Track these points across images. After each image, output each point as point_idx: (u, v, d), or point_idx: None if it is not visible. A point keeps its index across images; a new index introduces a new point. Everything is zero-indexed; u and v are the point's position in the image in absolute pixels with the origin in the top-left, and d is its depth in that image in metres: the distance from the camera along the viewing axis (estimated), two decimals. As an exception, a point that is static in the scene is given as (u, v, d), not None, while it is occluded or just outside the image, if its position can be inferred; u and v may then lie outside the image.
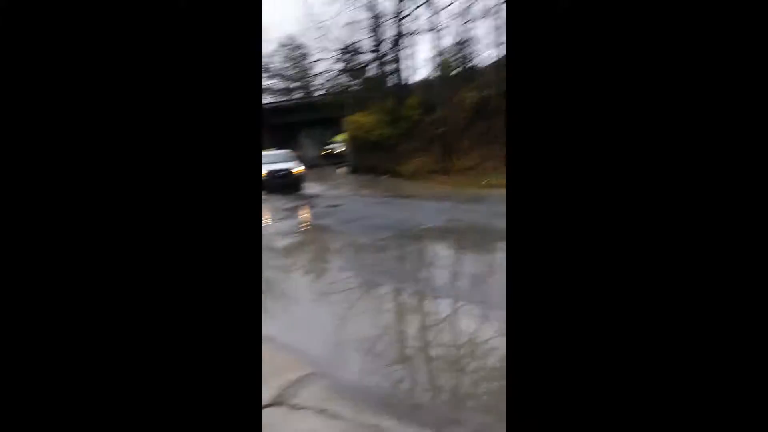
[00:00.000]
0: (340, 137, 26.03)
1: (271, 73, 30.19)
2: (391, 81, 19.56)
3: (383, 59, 18.84)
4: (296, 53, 32.63)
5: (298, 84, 32.60)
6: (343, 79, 20.69)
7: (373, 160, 18.24)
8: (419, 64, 17.26)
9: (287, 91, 32.21)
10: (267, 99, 29.13)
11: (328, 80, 21.10)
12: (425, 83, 18.56)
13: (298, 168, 14.41)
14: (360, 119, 19.00)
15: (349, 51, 20.45)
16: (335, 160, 24.83)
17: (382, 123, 17.76)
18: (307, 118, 27.43)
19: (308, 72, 32.61)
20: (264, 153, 17.39)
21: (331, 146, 27.51)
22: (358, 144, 19.15)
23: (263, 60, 28.33)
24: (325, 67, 21.92)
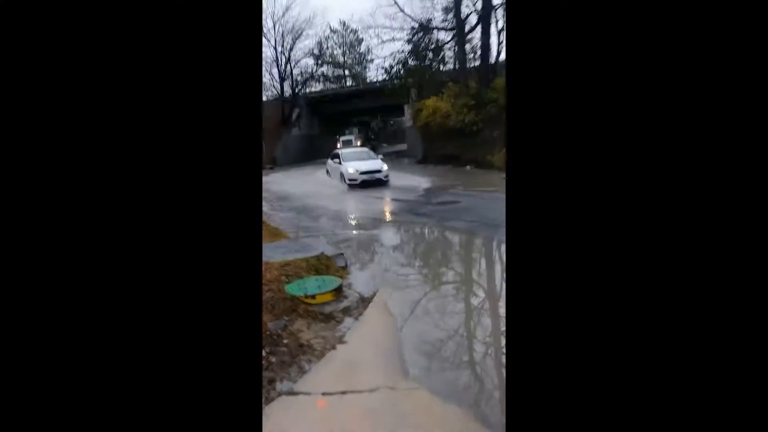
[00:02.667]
0: (349, 139, 24.70)
1: (322, 60, 28.53)
2: (472, 61, 17.45)
3: (465, 36, 16.73)
4: (350, 38, 31.06)
5: (353, 70, 30.98)
6: (414, 61, 18.68)
7: (449, 149, 16.28)
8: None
9: (339, 78, 30.56)
10: (318, 87, 27.53)
11: (396, 62, 19.08)
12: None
13: (384, 167, 12.60)
14: (434, 104, 17.03)
15: (423, 29, 18.48)
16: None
17: (463, 108, 15.71)
18: (366, 106, 25.63)
19: (365, 57, 31.08)
20: (345, 151, 14.59)
21: (349, 137, 25.53)
22: (430, 131, 17.18)
23: (318, 47, 27.47)
24: (392, 49, 20.03)
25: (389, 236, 6.37)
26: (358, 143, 22.87)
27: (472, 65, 17.27)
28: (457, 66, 19.09)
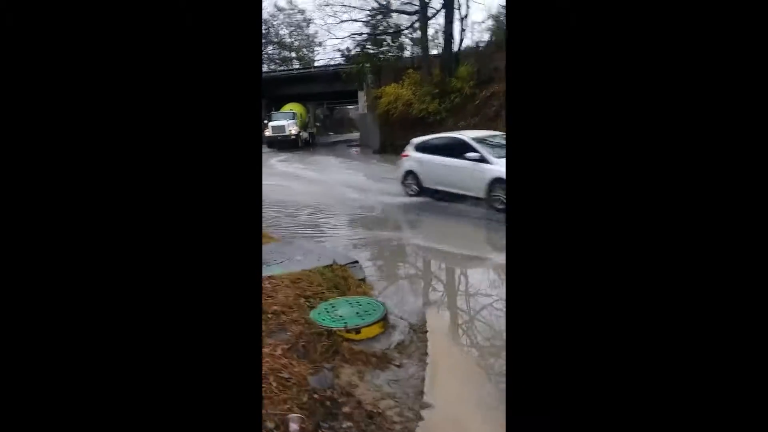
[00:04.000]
0: (290, 107, 22.51)
1: (267, 40, 26.79)
2: (433, 48, 16.76)
3: (427, 21, 15.97)
4: (298, 18, 29.41)
5: (299, 53, 29.42)
6: (372, 45, 17.70)
7: (410, 139, 15.55)
8: (470, 28, 14.52)
9: (285, 60, 28.88)
10: (263, 68, 25.84)
11: (355, 45, 18.01)
12: (478, 51, 15.86)
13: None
14: (395, 91, 16.19)
15: (383, 10, 17.52)
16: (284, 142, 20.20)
17: (426, 96, 15.00)
18: (316, 91, 24.25)
19: (312, 40, 29.57)
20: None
21: (278, 122, 20.69)
22: (390, 120, 16.34)
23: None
24: (350, 29, 18.89)
25: (389, 237, 5.49)
26: (292, 130, 20.46)
27: (433, 52, 16.56)
28: (416, 53, 18.38)
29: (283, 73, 25.00)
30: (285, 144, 19.91)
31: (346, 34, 18.99)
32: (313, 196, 8.20)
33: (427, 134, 14.67)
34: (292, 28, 29.47)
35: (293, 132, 20.54)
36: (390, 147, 16.45)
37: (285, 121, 20.66)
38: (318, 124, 33.34)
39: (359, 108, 23.40)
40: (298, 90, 23.16)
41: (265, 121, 20.70)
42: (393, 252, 4.72)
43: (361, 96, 21.46)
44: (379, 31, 17.87)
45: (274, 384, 1.96)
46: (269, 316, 2.54)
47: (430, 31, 16.65)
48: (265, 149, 18.85)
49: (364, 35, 18.00)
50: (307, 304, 2.80)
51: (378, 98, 17.18)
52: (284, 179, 10.53)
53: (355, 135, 33.98)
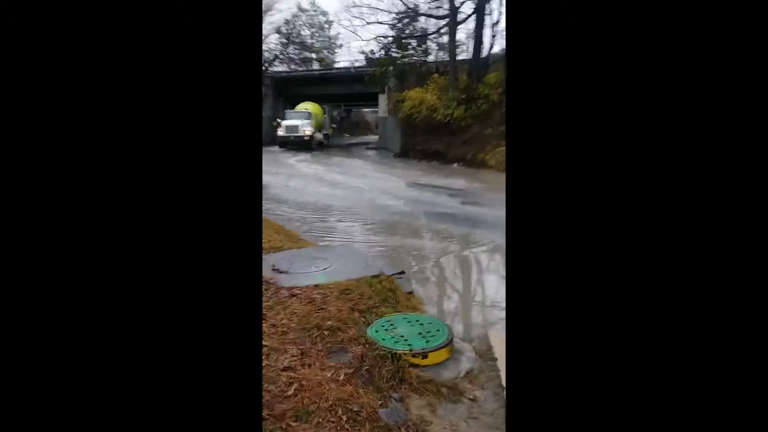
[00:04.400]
0: (305, 107, 21.63)
1: (288, 41, 26.73)
2: (462, 53, 16.49)
3: (457, 26, 15.72)
4: (319, 19, 29.34)
5: (320, 54, 29.34)
6: (396, 48, 17.48)
7: (433, 144, 15.26)
8: (500, 35, 14.13)
9: (305, 61, 28.81)
10: (282, 68, 25.75)
11: (380, 48, 17.80)
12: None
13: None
14: (419, 95, 15.94)
15: (411, 13, 17.30)
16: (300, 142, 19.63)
17: (452, 101, 14.72)
18: (336, 92, 24.08)
19: (333, 41, 29.49)
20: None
21: (292, 122, 20.15)
22: (413, 124, 16.08)
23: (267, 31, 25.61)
24: (375, 32, 18.66)
25: (431, 246, 5.19)
26: (306, 131, 19.58)
27: (460, 58, 16.30)
28: (441, 57, 18.13)
29: (302, 73, 24.86)
30: (298, 145, 19.28)
31: (372, 36, 18.78)
32: (343, 200, 7.92)
33: (452, 140, 14.52)
34: (314, 29, 29.39)
35: (307, 132, 19.76)
36: (411, 152, 16.21)
37: (299, 121, 20.02)
38: (334, 125, 33.21)
39: (379, 111, 23.20)
40: (318, 91, 23.03)
41: (278, 120, 20.63)
42: (436, 263, 4.41)
43: (382, 99, 21.26)
44: (405, 35, 17.65)
45: (344, 418, 1.69)
46: (325, 332, 2.27)
47: (459, 36, 16.41)
48: (276, 150, 18.61)
49: (389, 38, 17.79)
50: (362, 319, 2.52)
51: (401, 102, 16.94)
52: (309, 182, 10.31)
53: (372, 138, 33.79)
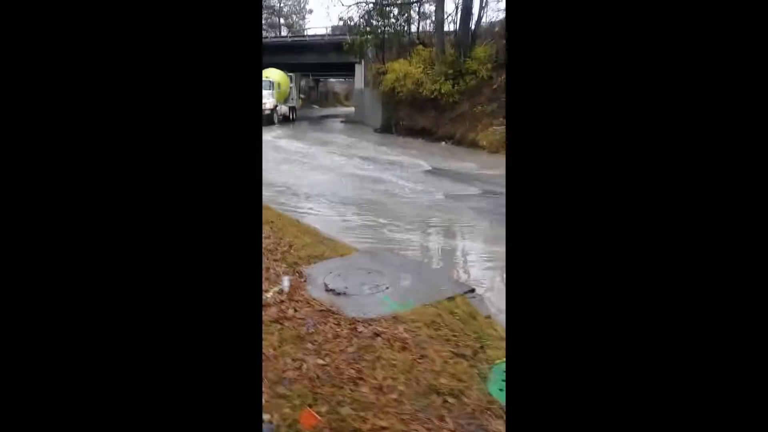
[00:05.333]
0: (268, 75, 18.62)
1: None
2: (448, 24, 15.75)
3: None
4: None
5: (289, 20, 27.82)
6: (377, 16, 16.52)
7: (418, 120, 14.66)
8: (488, 7, 13.21)
9: (273, 27, 27.23)
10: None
11: (362, 14, 16.78)
12: (495, 32, 14.97)
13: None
14: (403, 68, 15.19)
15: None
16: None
17: (439, 76, 14.09)
18: (308, 62, 22.84)
19: (303, 7, 27.95)
20: None
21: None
22: (396, 98, 15.38)
23: None
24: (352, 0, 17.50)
25: (480, 249, 4.68)
26: (266, 104, 16.96)
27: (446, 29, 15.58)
28: (422, 27, 17.34)
29: (273, 40, 23.39)
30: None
31: (352, 2, 17.64)
32: (359, 190, 7.10)
33: (440, 117, 13.94)
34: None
35: (267, 106, 17.12)
36: (395, 127, 15.55)
37: None
38: (303, 96, 31.84)
39: (355, 83, 22.25)
40: (291, 59, 21.74)
41: None
42: (500, 271, 3.88)
43: (359, 70, 20.33)
44: (386, 2, 16.69)
45: None
46: (450, 401, 1.74)
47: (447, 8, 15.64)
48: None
49: (369, 4, 16.79)
50: (474, 369, 2.00)
51: (382, 74, 16.15)
52: (301, 165, 9.32)
53: (342, 110, 32.70)
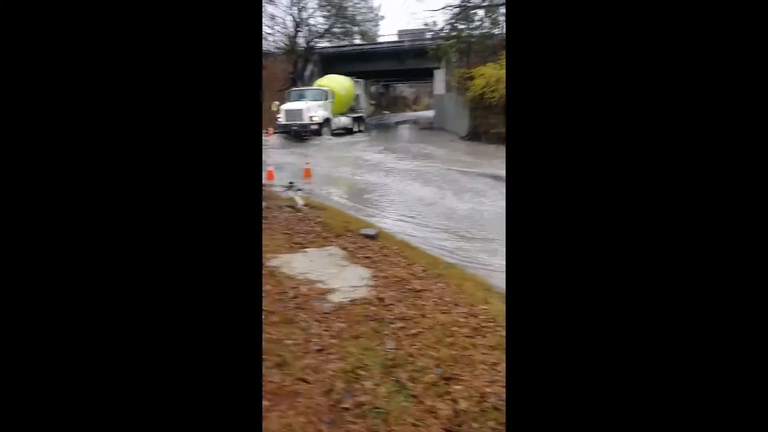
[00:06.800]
0: (325, 83, 17.03)
1: (330, 14, 25.34)
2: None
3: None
4: (362, -10, 27.69)
5: (362, 27, 27.87)
6: (462, 20, 15.98)
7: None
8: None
9: (347, 34, 27.39)
10: (325, 43, 24.45)
11: (450, 18, 16.34)
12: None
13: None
14: (494, 72, 14.53)
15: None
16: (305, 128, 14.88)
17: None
18: (386, 68, 22.70)
19: (377, 14, 27.94)
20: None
21: (293, 105, 15.20)
22: (485, 104, 14.74)
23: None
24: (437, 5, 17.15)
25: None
26: (314, 116, 14.76)
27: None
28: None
29: (350, 49, 23.47)
30: (300, 134, 14.57)
31: (437, 8, 17.24)
32: None
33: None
34: (357, 0, 27.79)
35: (315, 118, 14.70)
36: (484, 135, 14.91)
37: (304, 104, 14.94)
38: (373, 102, 31.87)
39: (435, 88, 21.82)
40: (363, 67, 21.67)
41: (276, 103, 15.17)
42: None
43: (439, 75, 19.88)
44: (471, 3, 16.11)
45: None
46: None
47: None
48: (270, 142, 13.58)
49: (455, 8, 16.27)
50: None
51: (468, 78, 15.56)
52: (428, 187, 7.67)
53: (414, 115, 32.39)
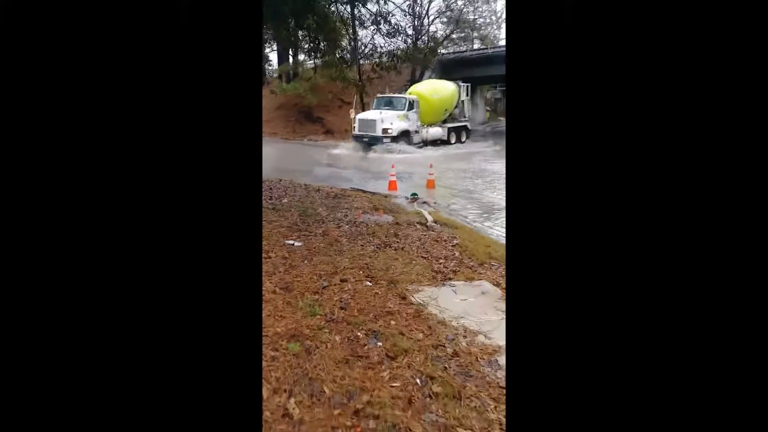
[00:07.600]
0: (412, 90, 15.54)
1: (449, 19, 24.73)
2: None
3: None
4: (485, -6, 26.74)
5: (482, 31, 26.90)
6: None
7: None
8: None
9: (465, 39, 26.60)
10: (446, 48, 23.86)
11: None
12: None
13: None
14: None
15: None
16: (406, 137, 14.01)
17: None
18: (501, 73, 21.52)
19: (499, 17, 26.86)
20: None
21: (367, 115, 14.20)
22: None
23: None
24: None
25: None
26: (390, 128, 13.48)
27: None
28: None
29: (472, 54, 22.69)
30: (370, 145, 13.43)
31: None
32: None
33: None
34: (477, 4, 26.90)
35: (391, 130, 13.43)
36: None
37: (378, 114, 13.76)
38: (488, 108, 30.61)
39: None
40: (491, 71, 20.69)
41: (353, 111, 14.61)
42: None
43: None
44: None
45: None
46: None
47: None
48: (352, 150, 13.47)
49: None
50: None
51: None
52: None
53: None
